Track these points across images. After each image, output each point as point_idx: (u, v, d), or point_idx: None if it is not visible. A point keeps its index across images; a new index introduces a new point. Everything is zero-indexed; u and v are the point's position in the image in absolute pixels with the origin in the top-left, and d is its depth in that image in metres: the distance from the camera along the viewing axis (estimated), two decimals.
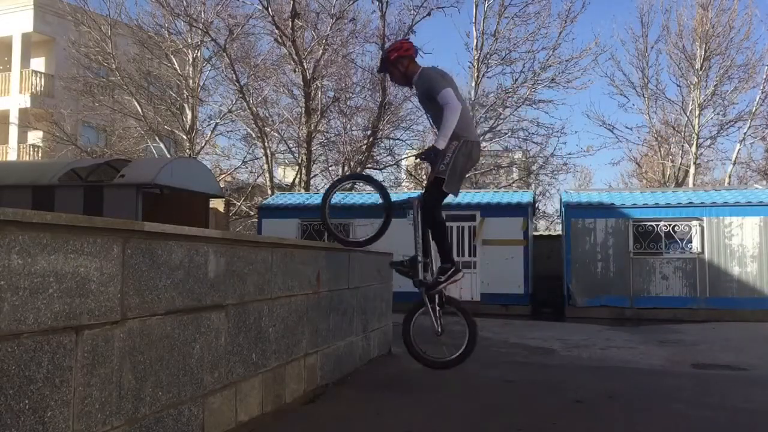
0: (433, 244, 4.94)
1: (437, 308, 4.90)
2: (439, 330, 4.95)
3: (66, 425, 2.53)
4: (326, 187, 5.16)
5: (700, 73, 24.13)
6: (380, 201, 5.17)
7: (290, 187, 24.01)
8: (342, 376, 5.72)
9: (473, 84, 23.94)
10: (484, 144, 26.22)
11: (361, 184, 5.55)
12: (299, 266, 4.83)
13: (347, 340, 5.96)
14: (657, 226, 15.00)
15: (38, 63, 27.05)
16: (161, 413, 3.15)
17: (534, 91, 24.10)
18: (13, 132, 26.28)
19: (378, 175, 27.00)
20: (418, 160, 4.86)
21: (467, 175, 5.14)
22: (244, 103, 22.13)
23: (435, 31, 52.20)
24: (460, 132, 4.62)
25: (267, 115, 23.76)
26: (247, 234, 4.64)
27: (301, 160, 23.07)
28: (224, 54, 21.71)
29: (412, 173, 29.21)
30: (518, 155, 27.61)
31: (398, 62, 4.90)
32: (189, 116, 23.29)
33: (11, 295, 2.28)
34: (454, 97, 4.56)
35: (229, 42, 21.81)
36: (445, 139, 4.53)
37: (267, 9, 21.13)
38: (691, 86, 24.62)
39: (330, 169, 25.17)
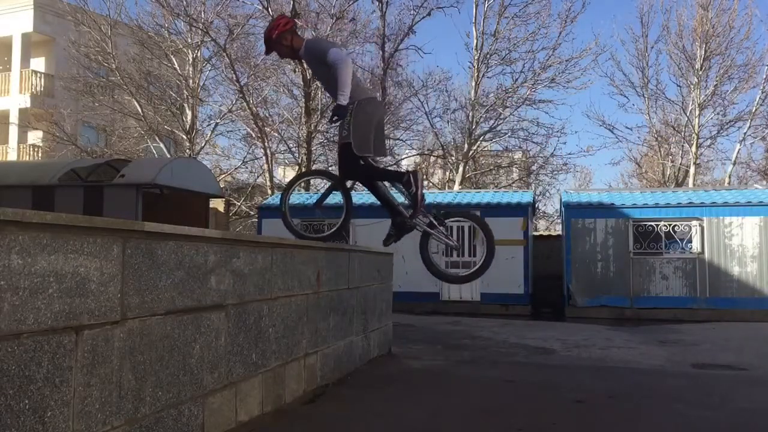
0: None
1: (438, 229, 4.95)
2: (453, 244, 5.10)
3: (66, 425, 2.53)
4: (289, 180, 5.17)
5: (700, 73, 24.13)
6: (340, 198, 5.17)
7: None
8: (342, 376, 5.72)
9: (473, 84, 23.95)
10: (484, 144, 26.28)
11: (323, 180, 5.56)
12: (299, 266, 4.83)
13: (347, 340, 5.96)
14: (657, 226, 15.00)
15: (38, 63, 27.05)
16: (161, 413, 3.15)
17: (534, 91, 24.11)
18: (13, 132, 26.27)
19: None
20: (332, 123, 4.87)
21: (382, 137, 5.15)
22: (244, 103, 22.13)
23: (435, 31, 52.22)
24: (351, 95, 4.68)
25: (267, 115, 23.77)
26: (247, 234, 4.64)
27: (301, 160, 23.08)
28: (224, 54, 21.71)
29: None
30: (518, 155, 27.61)
31: (282, 38, 4.85)
32: (189, 116, 23.29)
33: (11, 295, 2.28)
34: (343, 53, 4.62)
35: (229, 42, 21.81)
36: (344, 95, 4.61)
37: (267, 9, 21.13)
38: (691, 86, 24.62)
39: (330, 169, 25.16)
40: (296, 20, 5.24)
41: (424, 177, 29.25)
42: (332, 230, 5.19)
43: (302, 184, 22.68)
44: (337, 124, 4.86)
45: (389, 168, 5.16)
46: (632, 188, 25.82)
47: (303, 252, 4.94)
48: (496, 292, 15.62)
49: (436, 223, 4.93)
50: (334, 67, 4.61)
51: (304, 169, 22.93)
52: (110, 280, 2.79)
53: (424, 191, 4.95)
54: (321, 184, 25.49)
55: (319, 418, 4.42)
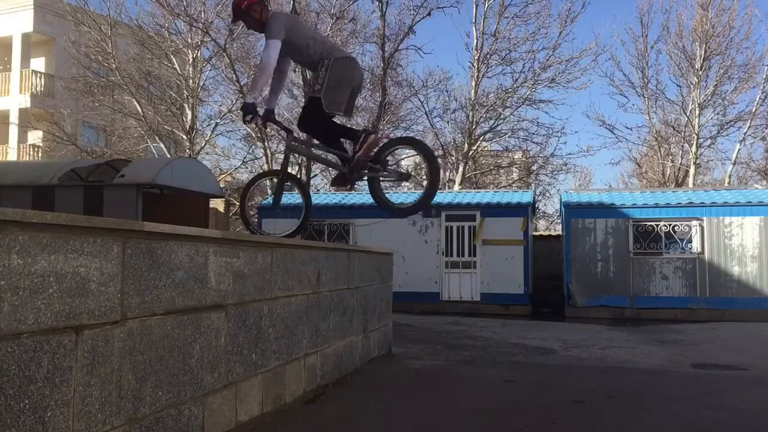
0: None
1: (380, 170, 4.79)
2: (402, 173, 5.02)
3: (66, 425, 2.53)
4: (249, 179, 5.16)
5: (700, 73, 24.12)
6: (299, 196, 5.14)
7: (290, 188, 24.00)
8: (342, 376, 5.72)
9: (473, 84, 23.94)
10: (484, 144, 26.27)
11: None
12: (299, 266, 4.84)
13: (347, 340, 5.96)
14: (657, 226, 15.00)
15: (38, 63, 27.04)
16: (161, 413, 3.15)
17: (534, 91, 24.10)
18: (13, 132, 26.27)
19: None
20: (246, 122, 4.83)
21: (354, 100, 5.10)
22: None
23: (435, 31, 52.20)
24: (328, 53, 4.67)
25: None
26: (247, 234, 4.62)
27: (301, 160, 23.08)
28: (224, 54, 21.71)
29: (412, 173, 29.23)
30: (518, 155, 27.60)
31: (251, 10, 4.75)
32: (189, 116, 23.28)
33: (11, 295, 2.28)
34: (269, 53, 4.55)
35: (229, 42, 21.81)
36: (252, 93, 4.65)
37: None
38: (691, 86, 24.61)
39: (330, 168, 25.17)
40: None
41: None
42: (292, 229, 5.16)
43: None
44: (252, 123, 4.83)
45: (347, 126, 5.08)
46: (632, 188, 25.82)
47: (303, 252, 4.94)
48: (496, 292, 15.63)
49: (377, 167, 4.80)
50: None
51: (304, 169, 22.94)
52: (110, 280, 2.79)
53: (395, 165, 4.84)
54: (321, 185, 25.47)
55: (319, 418, 4.42)
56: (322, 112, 4.66)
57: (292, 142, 5.07)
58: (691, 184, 24.18)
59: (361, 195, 18.84)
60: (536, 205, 21.66)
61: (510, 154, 27.64)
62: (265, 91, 5.00)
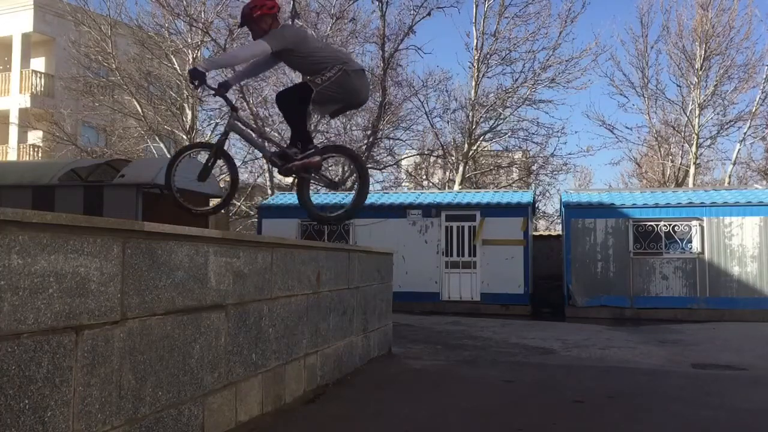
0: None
1: (310, 175, 4.91)
2: (333, 180, 5.10)
3: (66, 425, 2.53)
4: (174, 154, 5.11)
5: (700, 73, 24.12)
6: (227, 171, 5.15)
7: (290, 187, 24.02)
8: (342, 376, 5.72)
9: (473, 84, 23.94)
10: (484, 144, 26.26)
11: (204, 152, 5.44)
12: (299, 266, 4.84)
13: (347, 340, 5.96)
14: (657, 226, 15.00)
15: (38, 63, 27.04)
16: (161, 413, 3.15)
17: (534, 91, 24.09)
18: (13, 132, 26.26)
19: (378, 175, 27.05)
20: (195, 88, 4.84)
21: (346, 111, 5.13)
22: (245, 103, 22.13)
23: (435, 31, 52.18)
24: (343, 61, 4.70)
25: (267, 115, 23.77)
26: (247, 234, 4.63)
27: None
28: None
29: (412, 173, 29.22)
30: (518, 155, 27.60)
31: (262, 20, 4.71)
32: (189, 116, 23.28)
33: (11, 295, 2.28)
34: (252, 50, 4.62)
35: (229, 42, 21.80)
36: (206, 65, 4.66)
37: None
38: (691, 86, 24.61)
39: (330, 169, 25.16)
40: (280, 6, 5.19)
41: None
42: (217, 204, 5.15)
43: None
44: (197, 89, 4.89)
45: (309, 132, 5.08)
46: (632, 188, 25.82)
47: (303, 252, 4.94)
48: (496, 292, 15.62)
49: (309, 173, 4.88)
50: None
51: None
52: (110, 280, 2.79)
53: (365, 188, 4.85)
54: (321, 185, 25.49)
55: (319, 418, 4.42)
56: (304, 101, 4.70)
57: (235, 121, 5.02)
58: (691, 184, 24.18)
59: None
60: (536, 205, 21.65)
61: (510, 154, 27.64)
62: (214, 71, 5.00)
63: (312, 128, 22.24)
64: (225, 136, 5.26)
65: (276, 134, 23.50)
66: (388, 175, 27.69)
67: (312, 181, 5.01)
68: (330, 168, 24.89)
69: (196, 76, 4.52)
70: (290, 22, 21.31)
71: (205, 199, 13.71)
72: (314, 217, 5.08)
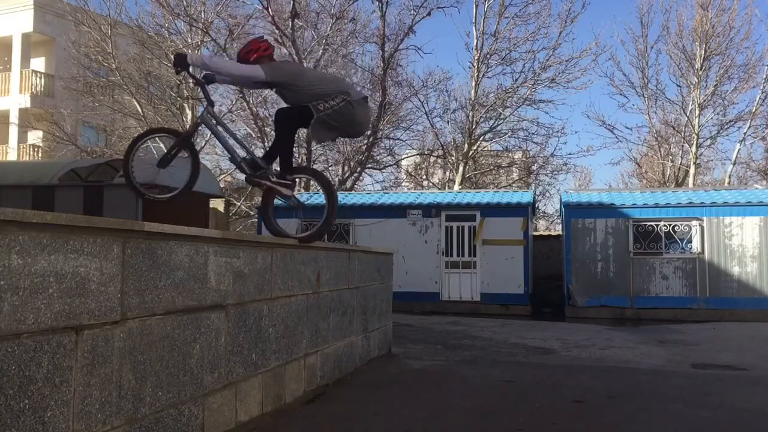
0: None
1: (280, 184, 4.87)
2: (296, 203, 5.06)
3: (66, 425, 2.53)
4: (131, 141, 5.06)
5: (700, 73, 24.12)
6: (186, 155, 5.04)
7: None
8: (342, 376, 5.72)
9: (473, 84, 23.94)
10: (484, 144, 26.27)
11: (166, 137, 5.40)
12: (299, 266, 4.84)
13: (347, 340, 5.96)
14: (657, 226, 15.00)
15: (38, 63, 27.04)
16: (161, 413, 3.15)
17: (534, 91, 24.09)
18: (13, 132, 26.26)
19: (378, 176, 27.06)
20: (177, 72, 4.83)
21: (340, 137, 5.15)
22: (244, 103, 22.13)
23: (435, 31, 52.16)
24: (346, 91, 4.70)
25: (267, 115, 23.75)
26: (247, 234, 4.62)
27: (301, 160, 23.08)
28: (224, 54, 21.69)
29: (412, 173, 29.22)
30: (518, 155, 27.60)
31: (258, 62, 4.78)
32: (189, 116, 23.27)
33: (11, 295, 2.28)
34: (247, 72, 4.69)
35: (229, 42, 21.79)
36: (193, 58, 4.72)
37: (267, 9, 21.12)
38: (691, 86, 24.61)
39: (330, 169, 25.17)
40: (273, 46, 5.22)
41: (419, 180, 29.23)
42: (177, 191, 5.10)
43: (302, 185, 22.72)
44: (179, 74, 4.88)
45: (291, 160, 5.09)
46: (632, 188, 25.82)
47: (303, 252, 4.94)
48: (496, 292, 15.62)
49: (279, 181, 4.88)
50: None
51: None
52: (110, 280, 2.79)
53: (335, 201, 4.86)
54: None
55: (319, 418, 4.42)
56: (303, 123, 4.73)
57: (208, 115, 5.00)
58: (691, 184, 24.18)
59: (361, 195, 18.85)
60: (536, 205, 21.65)
61: (510, 154, 27.64)
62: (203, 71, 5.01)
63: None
64: (195, 128, 5.23)
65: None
66: (388, 175, 27.71)
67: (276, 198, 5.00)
68: (330, 168, 24.96)
69: (180, 63, 4.58)
70: (290, 23, 21.33)
71: (206, 199, 13.72)
72: (276, 234, 5.03)
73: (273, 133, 5.19)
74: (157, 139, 5.45)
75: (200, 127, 5.21)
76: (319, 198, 5.29)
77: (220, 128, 5.05)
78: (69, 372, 2.56)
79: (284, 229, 5.10)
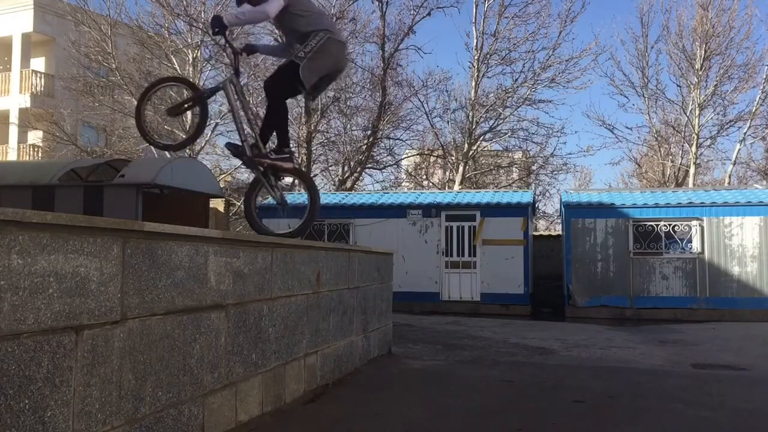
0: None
1: (267, 182, 4.88)
2: (279, 199, 4.98)
3: (66, 425, 2.53)
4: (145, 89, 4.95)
5: (700, 73, 24.12)
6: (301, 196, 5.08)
7: (290, 188, 24.04)
8: (342, 376, 5.72)
9: (473, 84, 23.94)
10: (484, 144, 26.27)
11: (177, 86, 5.35)
12: (299, 266, 4.83)
13: (347, 340, 5.96)
14: (657, 226, 15.00)
15: (38, 63, 27.04)
16: (161, 413, 3.15)
17: (534, 91, 24.11)
18: (13, 132, 26.27)
19: (378, 175, 27.05)
20: (214, 35, 4.77)
21: (329, 82, 5.13)
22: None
23: (435, 31, 52.21)
24: (327, 26, 4.72)
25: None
26: (247, 234, 4.61)
27: (301, 160, 23.07)
28: (224, 54, 21.69)
29: (412, 173, 29.22)
30: (518, 155, 27.61)
31: None
32: (189, 116, 23.26)
33: (11, 295, 2.28)
34: (271, 7, 4.57)
35: (230, 39, 21.78)
36: (228, 16, 4.64)
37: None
38: (691, 86, 24.61)
39: (330, 169, 25.18)
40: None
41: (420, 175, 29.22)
42: (184, 140, 5.03)
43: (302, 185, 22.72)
44: (219, 37, 4.80)
45: (287, 131, 5.07)
46: (632, 188, 25.81)
47: (303, 252, 4.94)
48: (496, 292, 15.63)
49: (269, 176, 4.85)
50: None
51: (303, 169, 22.94)
52: (110, 280, 2.79)
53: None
54: (321, 185, 25.42)
55: (319, 418, 4.42)
56: (293, 81, 4.69)
57: (231, 84, 4.92)
58: (691, 184, 24.18)
59: (361, 195, 18.84)
60: (536, 205, 21.65)
61: (510, 154, 27.65)
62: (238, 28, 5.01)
63: (312, 128, 22.24)
64: (213, 92, 5.13)
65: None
66: (388, 175, 27.72)
67: (263, 188, 4.94)
68: (330, 168, 24.95)
69: (217, 25, 4.51)
70: None
71: (206, 199, 13.72)
72: (257, 230, 5.00)
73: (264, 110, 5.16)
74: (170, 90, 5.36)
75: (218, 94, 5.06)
76: (302, 198, 5.29)
77: (238, 103, 4.92)
78: (69, 372, 2.56)
79: (266, 226, 5.09)
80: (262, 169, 4.85)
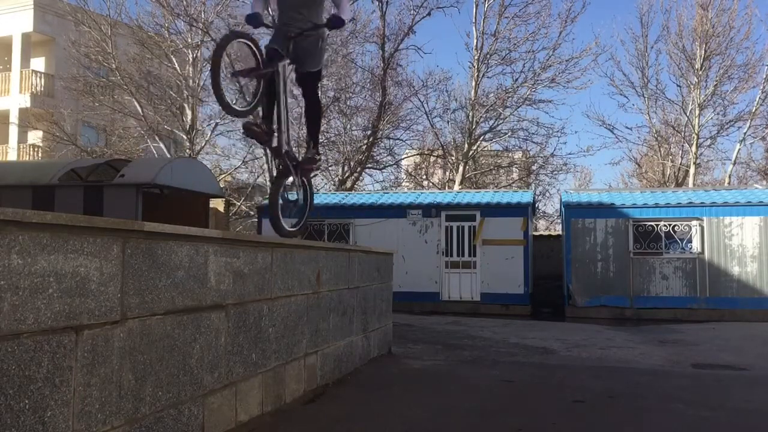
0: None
1: (291, 176, 5.05)
2: (295, 198, 5.18)
3: (66, 425, 2.53)
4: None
5: (700, 73, 24.11)
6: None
7: (290, 187, 24.00)
8: (342, 376, 5.72)
9: (473, 84, 23.93)
10: (484, 144, 26.29)
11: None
12: (299, 266, 4.83)
13: (347, 340, 5.96)
14: (657, 226, 15.00)
15: (38, 63, 27.04)
16: (161, 413, 3.15)
17: (534, 91, 24.09)
18: (13, 132, 26.26)
19: (378, 175, 27.05)
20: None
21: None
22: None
23: (435, 31, 52.19)
24: (317, 17, 4.91)
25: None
26: (247, 234, 4.62)
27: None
28: (224, 54, 21.67)
29: (412, 173, 29.21)
30: (518, 155, 27.60)
31: None
32: (189, 116, 23.26)
33: (11, 295, 2.28)
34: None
35: None
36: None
37: (267, 9, 21.13)
38: (691, 86, 24.60)
39: (330, 169, 25.16)
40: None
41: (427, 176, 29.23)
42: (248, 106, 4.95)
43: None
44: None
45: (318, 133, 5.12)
46: (632, 188, 25.80)
47: (303, 252, 4.94)
48: (496, 292, 15.62)
49: (291, 170, 4.90)
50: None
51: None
52: (110, 280, 2.79)
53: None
54: (322, 185, 25.40)
55: (319, 418, 4.42)
56: (316, 84, 4.78)
57: (284, 67, 4.90)
58: (691, 184, 24.17)
59: (361, 195, 18.84)
60: (536, 205, 21.65)
61: (510, 154, 27.64)
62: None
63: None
64: (273, 63, 4.93)
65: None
66: (388, 175, 27.71)
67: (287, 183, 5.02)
68: (330, 168, 24.94)
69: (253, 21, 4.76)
70: None
71: (206, 199, 13.72)
72: (277, 227, 5.03)
73: (303, 107, 5.20)
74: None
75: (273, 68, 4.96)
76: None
77: (284, 85, 4.94)
78: (69, 372, 2.56)
79: (286, 223, 5.14)
80: (293, 171, 4.91)
